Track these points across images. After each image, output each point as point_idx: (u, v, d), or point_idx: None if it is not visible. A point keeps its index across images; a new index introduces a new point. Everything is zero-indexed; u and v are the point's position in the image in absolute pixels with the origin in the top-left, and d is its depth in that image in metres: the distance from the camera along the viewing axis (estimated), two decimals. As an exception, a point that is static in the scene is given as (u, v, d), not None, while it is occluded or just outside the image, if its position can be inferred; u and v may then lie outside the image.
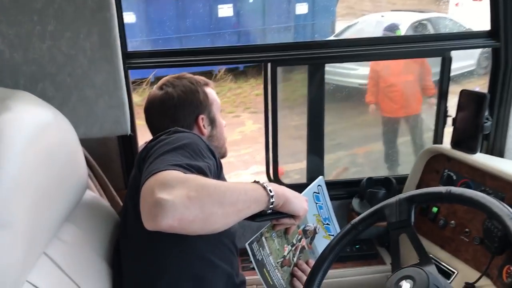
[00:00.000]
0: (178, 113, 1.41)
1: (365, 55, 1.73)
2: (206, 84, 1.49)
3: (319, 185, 1.42)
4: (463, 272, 1.57)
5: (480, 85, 6.22)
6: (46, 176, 0.99)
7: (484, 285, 1.48)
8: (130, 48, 1.58)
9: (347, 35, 7.09)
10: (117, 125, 1.38)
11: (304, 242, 1.37)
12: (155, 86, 1.46)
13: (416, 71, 3.67)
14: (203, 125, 1.45)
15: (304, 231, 1.37)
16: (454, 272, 1.59)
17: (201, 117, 1.44)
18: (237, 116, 7.09)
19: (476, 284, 1.48)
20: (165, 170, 0.99)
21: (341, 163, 5.07)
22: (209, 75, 7.62)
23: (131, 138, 1.67)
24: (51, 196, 1.03)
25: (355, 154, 5.40)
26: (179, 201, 0.91)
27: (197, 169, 1.04)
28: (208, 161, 1.12)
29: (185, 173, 0.99)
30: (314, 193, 1.41)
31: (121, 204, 1.63)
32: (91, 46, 1.31)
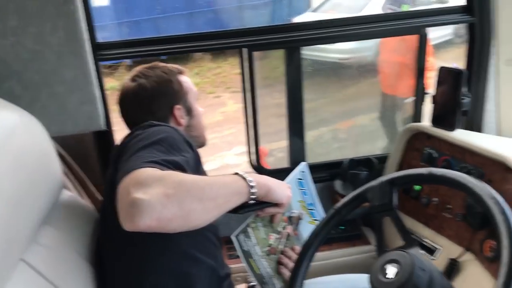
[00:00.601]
0: (153, 105, 1.37)
1: (341, 36, 1.70)
2: (180, 73, 1.45)
3: (302, 171, 1.41)
4: (447, 248, 1.59)
5: (459, 54, 6.26)
6: (16, 182, 0.95)
7: (467, 259, 1.50)
8: (104, 33, 1.53)
9: (325, 9, 7.03)
10: (91, 120, 1.34)
11: (289, 229, 1.36)
12: (126, 78, 1.42)
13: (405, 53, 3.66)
14: (180, 116, 1.41)
15: (289, 218, 1.36)
16: (438, 249, 1.61)
17: (177, 108, 1.40)
18: (218, 97, 7.02)
19: (459, 259, 1.50)
20: (141, 168, 0.96)
21: (323, 139, 5.08)
22: (187, 56, 7.52)
23: (107, 133, 1.64)
24: (24, 201, 0.99)
25: (337, 129, 5.41)
26: (156, 200, 0.89)
27: (174, 164, 1.01)
28: (185, 155, 1.09)
29: (162, 169, 0.96)
30: (298, 179, 1.40)
31: (101, 200, 1.60)
32: (58, 41, 1.25)
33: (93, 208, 1.41)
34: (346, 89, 5.72)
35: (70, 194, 1.28)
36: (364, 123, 5.29)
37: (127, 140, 1.14)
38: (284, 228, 1.35)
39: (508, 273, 0.84)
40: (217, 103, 6.74)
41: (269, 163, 3.33)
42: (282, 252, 1.35)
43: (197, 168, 1.17)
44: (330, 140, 5.15)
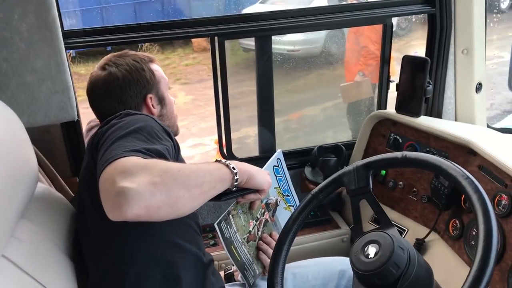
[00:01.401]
0: (124, 94, 1.34)
1: (311, 25, 1.73)
2: (151, 61, 1.42)
3: (278, 159, 1.43)
4: (413, 229, 1.67)
5: (401, 45, 6.49)
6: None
7: (433, 239, 1.58)
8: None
9: (274, 0, 7.06)
10: (63, 111, 1.29)
11: (267, 215, 1.38)
12: (96, 66, 1.38)
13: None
14: (152, 105, 1.39)
15: (267, 205, 1.38)
16: (404, 230, 1.69)
17: (150, 97, 1.38)
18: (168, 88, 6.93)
19: (425, 239, 1.58)
20: (123, 156, 0.94)
21: (276, 129, 5.14)
22: (134, 47, 7.34)
23: (76, 123, 1.59)
24: (3, 194, 0.95)
25: (289, 120, 5.48)
26: (143, 188, 0.88)
27: (156, 153, 1.00)
28: (165, 143, 1.08)
29: (145, 158, 0.95)
30: (274, 166, 1.42)
31: (71, 192, 1.56)
32: (28, 28, 1.20)
33: (67, 201, 1.37)
34: (296, 81, 5.79)
35: (45, 187, 1.24)
36: (314, 114, 5.38)
37: (103, 129, 1.12)
38: (262, 214, 1.37)
39: (485, 247, 0.90)
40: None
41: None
42: (261, 239, 1.37)
43: (176, 156, 1.16)
44: (282, 130, 5.22)
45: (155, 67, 1.42)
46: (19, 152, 1.06)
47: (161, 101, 1.42)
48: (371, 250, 1.07)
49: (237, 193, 1.18)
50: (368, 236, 1.12)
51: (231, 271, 1.49)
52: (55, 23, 1.22)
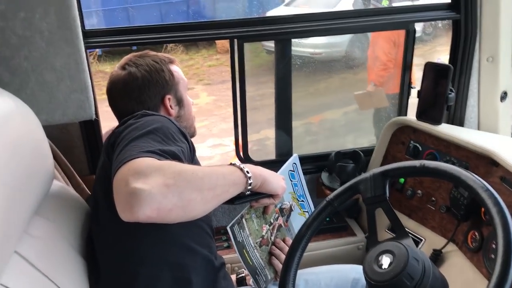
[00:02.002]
0: (143, 94, 1.35)
1: (331, 29, 1.71)
2: (171, 62, 1.43)
3: (294, 163, 1.41)
4: (430, 239, 1.63)
5: (425, 51, 6.39)
6: (12, 171, 0.92)
7: (450, 250, 1.54)
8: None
9: (298, 3, 7.03)
10: (81, 110, 1.30)
11: (280, 220, 1.37)
12: (116, 66, 1.39)
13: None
14: (170, 106, 1.39)
15: (281, 210, 1.37)
16: (421, 240, 1.65)
17: (168, 98, 1.38)
18: (190, 89, 6.95)
19: (443, 250, 1.54)
20: (138, 157, 0.94)
21: (296, 132, 5.12)
22: (159, 47, 7.41)
23: (95, 122, 1.60)
24: (19, 191, 0.96)
25: (309, 123, 5.45)
26: (156, 190, 0.88)
27: (170, 154, 1.00)
28: (181, 145, 1.08)
29: (159, 159, 0.95)
30: (289, 171, 1.40)
31: (87, 191, 1.57)
32: (49, 27, 1.21)
33: (82, 200, 1.39)
34: (318, 84, 5.75)
35: (60, 184, 1.25)
36: (335, 118, 5.34)
37: (120, 129, 1.12)
38: (276, 219, 1.36)
39: (504, 262, 0.87)
40: (189, 95, 6.66)
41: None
42: (274, 244, 1.36)
43: (192, 158, 1.16)
44: (302, 133, 5.19)
45: (174, 68, 1.42)
46: (35, 150, 1.07)
47: (180, 102, 1.42)
48: (385, 260, 1.05)
49: (250, 197, 1.17)
50: (383, 245, 1.09)
51: (243, 275, 1.48)
52: (75, 23, 1.23)
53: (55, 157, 1.46)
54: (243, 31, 1.63)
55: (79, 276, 1.14)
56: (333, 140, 5.14)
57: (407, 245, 1.05)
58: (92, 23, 6.58)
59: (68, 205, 1.25)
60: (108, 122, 1.60)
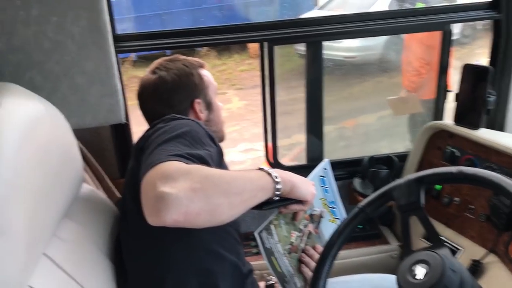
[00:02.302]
0: (172, 98, 1.35)
1: (363, 31, 1.67)
2: (201, 66, 1.42)
3: (324, 168, 1.38)
4: (469, 249, 1.56)
5: (463, 54, 6.22)
6: (42, 174, 0.93)
7: (490, 261, 1.47)
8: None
9: (332, 6, 6.97)
10: (111, 113, 1.31)
11: (310, 227, 1.34)
12: (147, 70, 1.39)
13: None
14: (200, 110, 1.39)
15: (311, 216, 1.33)
16: (459, 250, 1.58)
17: (197, 102, 1.38)
18: (223, 94, 7.01)
19: (482, 261, 1.47)
20: (166, 161, 0.93)
21: (329, 137, 5.05)
22: (192, 52, 7.50)
23: (125, 125, 1.61)
24: (48, 194, 0.97)
25: (343, 127, 5.38)
26: (183, 194, 0.86)
27: (198, 158, 0.98)
28: (209, 149, 1.06)
29: (187, 163, 0.94)
30: (320, 177, 1.37)
31: (117, 194, 1.58)
32: (80, 31, 1.22)
33: (111, 204, 1.39)
34: (352, 88, 5.67)
35: (90, 188, 1.25)
36: (369, 122, 5.25)
37: (149, 133, 1.12)
38: (305, 226, 1.32)
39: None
40: (222, 100, 6.67)
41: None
42: (303, 251, 1.32)
43: (220, 162, 1.15)
44: (336, 138, 5.12)
45: (204, 72, 1.42)
46: (64, 153, 1.07)
47: (209, 106, 1.42)
48: (420, 271, 1.01)
49: (279, 203, 1.14)
50: (417, 255, 1.05)
51: (272, 282, 1.45)
52: (106, 27, 1.24)
53: (86, 160, 1.48)
54: (273, 34, 1.60)
55: (106, 279, 1.14)
56: (367, 145, 5.04)
57: (443, 255, 1.00)
58: (124, 28, 6.72)
59: (97, 209, 1.25)
60: (141, 127, 1.61)
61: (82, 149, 1.47)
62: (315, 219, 1.35)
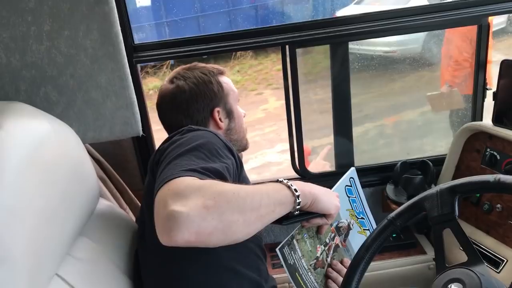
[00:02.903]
0: (191, 108, 1.31)
1: (392, 29, 1.57)
2: (221, 73, 1.38)
3: (351, 177, 1.30)
4: (513, 260, 1.44)
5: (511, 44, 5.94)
6: (48, 195, 0.91)
7: (537, 274, 1.35)
8: (141, 38, 1.47)
9: (369, 1, 6.79)
10: (127, 126, 1.29)
11: (337, 240, 1.26)
12: (165, 79, 1.36)
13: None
14: (220, 119, 1.35)
15: (337, 229, 1.26)
16: (503, 261, 1.46)
17: (217, 110, 1.34)
18: (259, 94, 6.98)
19: (528, 274, 1.35)
20: (179, 177, 0.89)
21: (369, 135, 4.92)
22: (229, 54, 7.50)
23: (147, 136, 1.59)
24: (58, 213, 0.95)
25: (383, 125, 5.22)
26: (194, 213, 0.82)
27: (213, 172, 0.94)
28: (225, 161, 1.01)
29: (201, 178, 0.89)
30: (346, 186, 1.29)
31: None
32: (92, 44, 1.20)
33: (132, 217, 1.37)
34: (392, 83, 5.51)
35: (107, 203, 1.23)
36: (411, 118, 5.07)
37: (165, 146, 1.08)
38: (332, 239, 1.25)
39: None
40: (258, 100, 6.69)
41: (312, 161, 3.25)
42: (330, 265, 1.25)
43: (239, 174, 1.10)
44: (376, 136, 4.98)
45: (224, 79, 1.37)
46: (75, 169, 1.05)
47: (229, 114, 1.37)
48: None
49: (300, 217, 1.08)
50: (451, 273, 0.97)
51: (299, 297, 1.38)
52: (118, 39, 1.21)
53: (107, 173, 1.46)
54: (295, 37, 1.54)
55: (124, 298, 1.11)
56: (409, 142, 4.88)
57: (480, 274, 0.92)
58: (158, 33, 6.78)
59: (115, 224, 1.23)
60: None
61: (102, 161, 1.46)
62: (342, 231, 1.28)
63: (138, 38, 1.32)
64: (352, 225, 1.31)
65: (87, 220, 1.11)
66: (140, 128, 1.32)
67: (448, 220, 1.03)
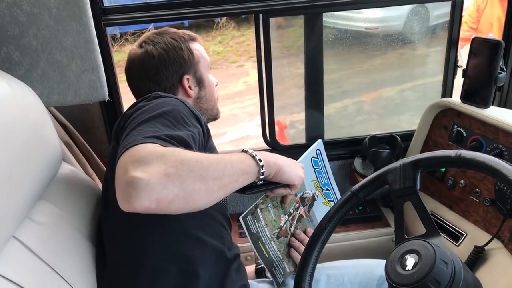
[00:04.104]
0: (159, 74, 1.29)
1: (368, 1, 1.56)
2: (193, 39, 1.35)
3: (317, 149, 1.31)
4: (472, 234, 1.48)
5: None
6: (6, 155, 0.89)
7: (494, 248, 1.39)
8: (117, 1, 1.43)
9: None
10: (93, 90, 1.25)
11: (302, 210, 1.28)
12: (135, 44, 1.33)
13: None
14: (189, 86, 1.32)
15: (302, 199, 1.27)
16: (463, 234, 1.50)
17: (186, 78, 1.31)
18: (241, 66, 6.89)
19: (485, 247, 1.39)
20: (141, 143, 0.88)
21: (347, 111, 4.94)
22: (211, 23, 7.35)
23: (116, 102, 1.56)
24: (16, 175, 0.93)
25: (362, 101, 5.24)
26: (155, 180, 0.81)
27: (178, 140, 0.93)
28: (191, 129, 1.00)
29: (164, 145, 0.88)
30: (313, 158, 1.30)
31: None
32: (56, 4, 1.15)
33: (98, 184, 1.35)
34: (373, 60, 5.50)
35: (71, 168, 1.21)
36: (390, 96, 5.10)
37: (130, 112, 1.06)
38: (296, 209, 1.27)
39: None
40: (240, 73, 6.61)
41: (289, 135, 3.25)
42: (294, 235, 1.27)
43: (206, 143, 1.09)
44: (354, 112, 5.00)
45: (196, 46, 1.34)
46: (38, 132, 1.03)
47: (200, 82, 1.35)
48: (410, 261, 0.96)
49: (264, 187, 1.08)
50: (408, 244, 0.99)
51: (262, 265, 1.40)
52: (84, 0, 1.17)
53: (73, 138, 1.44)
54: (268, 5, 1.51)
55: (86, 264, 1.10)
56: (386, 119, 4.91)
57: (435, 245, 0.94)
58: None
59: (78, 190, 1.21)
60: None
61: (67, 127, 1.43)
62: (307, 202, 1.29)
63: (114, 1, 1.26)
64: (317, 196, 1.32)
65: (48, 183, 1.09)
66: (106, 93, 1.29)
67: (409, 193, 1.05)
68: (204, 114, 1.37)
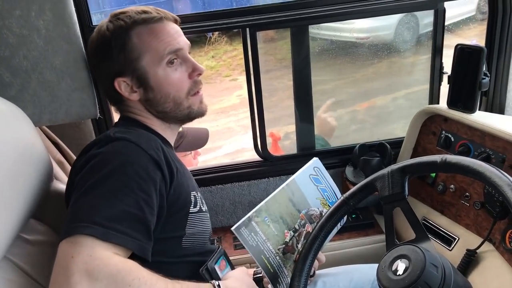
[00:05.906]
0: (95, 70, 1.18)
1: (350, 12, 1.59)
2: (145, 22, 1.09)
3: (315, 167, 1.32)
4: (464, 238, 1.50)
5: (481, 31, 6.04)
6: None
7: (486, 250, 1.41)
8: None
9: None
10: (84, 108, 1.27)
11: (309, 227, 1.28)
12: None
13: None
14: (127, 92, 1.12)
15: (309, 216, 1.28)
16: (455, 239, 1.51)
17: (119, 81, 1.11)
18: (234, 80, 6.93)
19: (478, 251, 1.41)
20: (82, 234, 0.85)
21: (341, 121, 4.97)
22: (204, 38, 7.39)
23: (107, 119, 1.58)
24: (5, 196, 0.94)
25: (355, 110, 5.27)
26: None
27: (125, 219, 0.90)
28: (145, 188, 0.95)
29: (104, 236, 0.85)
30: (312, 176, 1.31)
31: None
32: (45, 25, 1.17)
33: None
34: (365, 69, 5.55)
35: (63, 186, 1.22)
36: (383, 104, 5.14)
37: (81, 161, 1.01)
38: (303, 226, 1.27)
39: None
40: (233, 86, 6.65)
41: (285, 146, 3.26)
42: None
43: (170, 187, 1.04)
44: (348, 122, 5.03)
45: (143, 33, 1.09)
46: (27, 152, 1.04)
47: (143, 83, 1.11)
48: (400, 266, 0.98)
49: None
50: (399, 249, 1.01)
51: (260, 275, 1.40)
52: (72, 19, 1.19)
53: (66, 156, 1.45)
54: (255, 20, 1.54)
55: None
56: (380, 127, 4.95)
57: (425, 250, 0.96)
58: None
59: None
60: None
61: (60, 145, 1.44)
62: (314, 219, 1.30)
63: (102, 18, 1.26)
64: (324, 213, 1.33)
65: (39, 202, 1.10)
66: (97, 111, 1.31)
67: (398, 199, 1.07)
68: (167, 118, 1.17)
